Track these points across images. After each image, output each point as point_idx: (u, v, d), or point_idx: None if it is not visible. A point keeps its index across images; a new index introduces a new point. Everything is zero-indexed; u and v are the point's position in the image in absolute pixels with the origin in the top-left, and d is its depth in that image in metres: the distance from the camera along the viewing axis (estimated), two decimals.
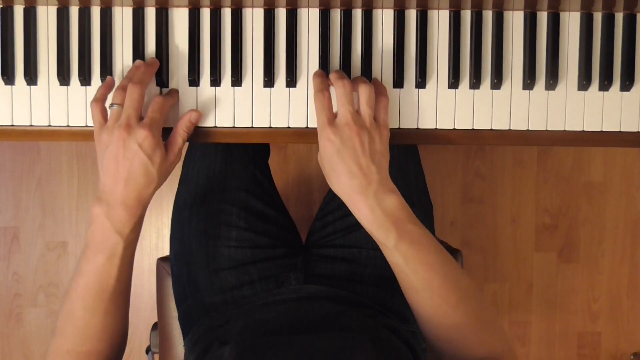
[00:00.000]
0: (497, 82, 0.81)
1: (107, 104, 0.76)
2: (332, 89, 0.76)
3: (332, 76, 0.75)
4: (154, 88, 0.80)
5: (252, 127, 0.81)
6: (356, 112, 0.73)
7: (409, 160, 1.02)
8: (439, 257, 0.75)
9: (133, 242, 0.75)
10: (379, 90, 0.77)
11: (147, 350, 1.19)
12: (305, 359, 0.72)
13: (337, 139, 0.72)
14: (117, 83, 0.79)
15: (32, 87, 0.80)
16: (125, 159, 0.71)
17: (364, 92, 0.73)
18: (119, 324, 0.78)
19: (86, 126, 0.81)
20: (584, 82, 0.81)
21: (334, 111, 0.75)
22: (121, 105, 0.73)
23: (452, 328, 0.75)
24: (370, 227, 0.74)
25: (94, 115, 0.75)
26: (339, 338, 0.76)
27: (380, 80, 0.81)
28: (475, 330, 0.75)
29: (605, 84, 0.82)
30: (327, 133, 0.72)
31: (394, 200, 0.73)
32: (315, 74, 0.78)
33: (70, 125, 0.81)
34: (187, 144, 0.81)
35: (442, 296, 0.74)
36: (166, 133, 0.77)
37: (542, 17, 0.82)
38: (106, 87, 0.77)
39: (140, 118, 0.73)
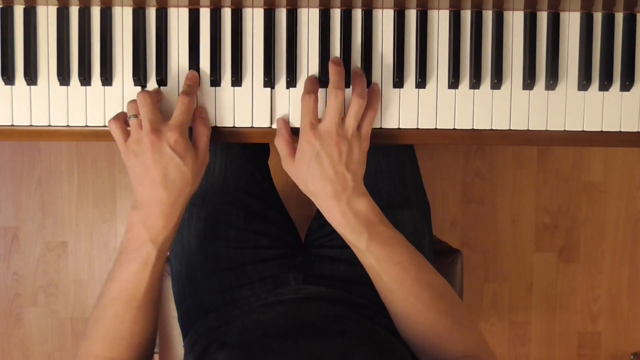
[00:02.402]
0: (497, 82, 0.81)
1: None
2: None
3: (331, 82, 0.76)
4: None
5: (252, 127, 0.81)
6: (341, 122, 0.75)
7: (406, 160, 1.03)
8: (410, 257, 0.76)
9: (165, 252, 0.76)
10: (370, 103, 0.77)
11: None
12: None
13: (317, 143, 0.74)
14: (115, 85, 0.79)
15: (32, 87, 0.80)
16: (160, 163, 0.72)
17: (355, 105, 0.75)
18: (147, 333, 0.79)
19: (86, 126, 0.81)
20: (584, 82, 0.81)
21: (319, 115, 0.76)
22: (138, 115, 0.74)
23: (426, 325, 0.76)
24: (342, 230, 0.76)
25: (114, 132, 0.75)
26: (337, 343, 0.76)
27: (380, 80, 0.81)
28: (449, 328, 0.76)
29: (605, 84, 0.82)
30: (308, 136, 0.74)
31: (365, 204, 0.75)
32: (308, 77, 0.79)
33: (70, 125, 0.81)
34: None
35: (414, 295, 0.75)
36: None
37: (542, 17, 0.82)
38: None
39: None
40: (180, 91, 0.79)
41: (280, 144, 0.78)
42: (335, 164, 0.74)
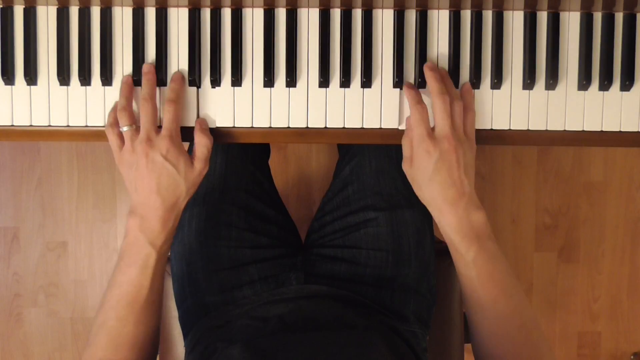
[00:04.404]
0: (497, 82, 0.81)
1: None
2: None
3: (434, 90, 0.76)
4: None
5: (252, 127, 0.81)
6: (452, 126, 0.75)
7: None
8: (510, 280, 0.76)
9: (165, 254, 0.78)
10: (468, 105, 0.78)
11: None
12: (320, 356, 0.72)
13: (436, 151, 0.74)
14: (115, 85, 0.79)
15: (32, 87, 0.80)
16: (153, 171, 0.74)
17: (457, 107, 0.76)
18: (150, 333, 0.80)
19: (86, 126, 0.81)
20: (584, 82, 0.81)
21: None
22: (131, 125, 0.75)
23: (509, 351, 0.75)
24: (454, 236, 0.76)
25: (111, 140, 0.77)
26: (352, 335, 0.77)
27: (379, 80, 0.81)
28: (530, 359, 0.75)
29: (605, 84, 0.82)
30: (426, 145, 0.75)
31: (481, 217, 0.76)
32: (407, 87, 0.79)
33: (70, 125, 0.81)
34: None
35: (505, 317, 0.75)
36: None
37: (542, 17, 0.82)
38: (116, 111, 0.78)
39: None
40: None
41: (407, 146, 0.78)
42: (454, 170, 0.75)
